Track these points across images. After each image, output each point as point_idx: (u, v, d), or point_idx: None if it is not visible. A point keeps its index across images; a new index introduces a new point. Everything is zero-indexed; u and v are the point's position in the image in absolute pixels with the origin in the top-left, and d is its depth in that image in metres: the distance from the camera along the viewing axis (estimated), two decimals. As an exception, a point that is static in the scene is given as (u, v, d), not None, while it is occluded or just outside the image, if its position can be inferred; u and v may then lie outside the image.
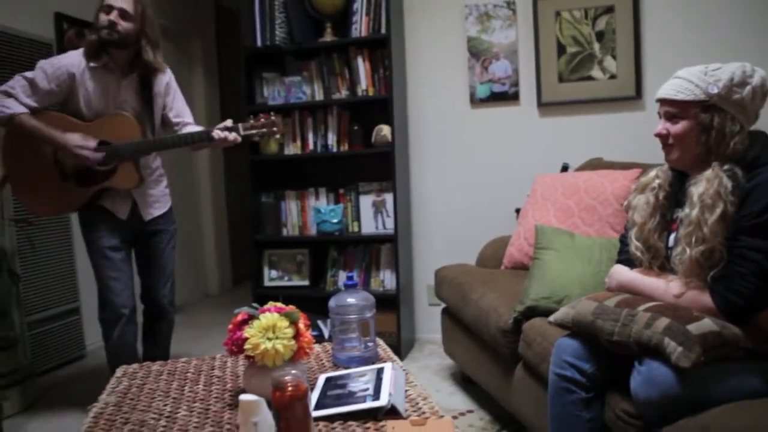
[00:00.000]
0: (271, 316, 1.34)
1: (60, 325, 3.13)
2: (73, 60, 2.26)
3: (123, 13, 2.21)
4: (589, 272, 1.97)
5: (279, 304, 1.41)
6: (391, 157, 3.02)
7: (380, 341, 1.69)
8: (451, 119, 3.26)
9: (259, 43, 3.13)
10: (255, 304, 1.43)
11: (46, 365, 3.02)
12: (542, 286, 1.98)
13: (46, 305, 3.05)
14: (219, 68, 4.93)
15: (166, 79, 2.44)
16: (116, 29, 2.20)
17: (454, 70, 3.22)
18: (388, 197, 3.12)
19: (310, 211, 3.25)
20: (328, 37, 3.14)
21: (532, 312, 1.95)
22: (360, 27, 3.06)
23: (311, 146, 3.22)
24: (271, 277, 3.31)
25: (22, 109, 2.19)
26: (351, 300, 1.57)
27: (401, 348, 3.02)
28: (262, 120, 2.31)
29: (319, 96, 3.18)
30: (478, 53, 3.15)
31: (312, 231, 3.25)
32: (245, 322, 1.37)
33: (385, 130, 3.06)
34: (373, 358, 1.58)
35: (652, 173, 1.64)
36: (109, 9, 2.20)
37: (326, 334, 3.10)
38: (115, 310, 2.37)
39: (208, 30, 4.81)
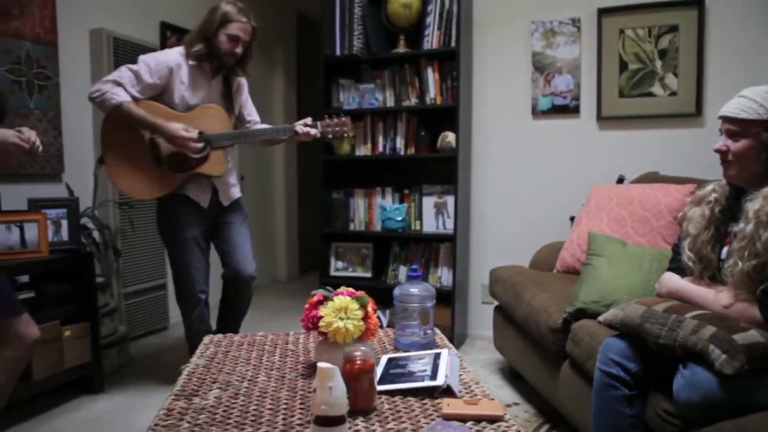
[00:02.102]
0: (343, 298, 1.47)
1: (149, 298, 3.47)
2: (173, 56, 2.45)
3: (244, 44, 2.46)
4: (639, 280, 1.99)
5: (350, 289, 1.52)
6: (455, 162, 3.14)
7: (437, 330, 1.77)
8: (513, 129, 3.35)
9: (338, 52, 3.31)
10: (329, 288, 1.54)
11: (136, 332, 3.36)
12: (592, 290, 2.03)
13: (139, 279, 3.39)
14: (298, 73, 5.17)
15: (243, 81, 2.67)
16: (236, 57, 2.46)
17: (518, 82, 3.31)
18: (450, 199, 3.23)
19: (376, 209, 3.41)
20: (401, 48, 3.29)
21: (581, 314, 2.00)
22: (431, 40, 3.20)
23: (380, 149, 3.38)
24: (336, 268, 3.50)
25: (129, 98, 2.34)
26: (414, 290, 1.65)
27: (454, 341, 3.12)
28: (336, 120, 2.59)
29: (390, 102, 3.34)
30: (541, 67, 3.24)
31: (377, 227, 3.41)
32: (320, 302, 1.48)
33: (450, 136, 3.18)
34: (431, 345, 1.66)
35: (709, 187, 1.65)
36: (236, 40, 2.42)
37: (384, 323, 3.27)
38: (195, 295, 2.56)
39: (289, 37, 5.05)
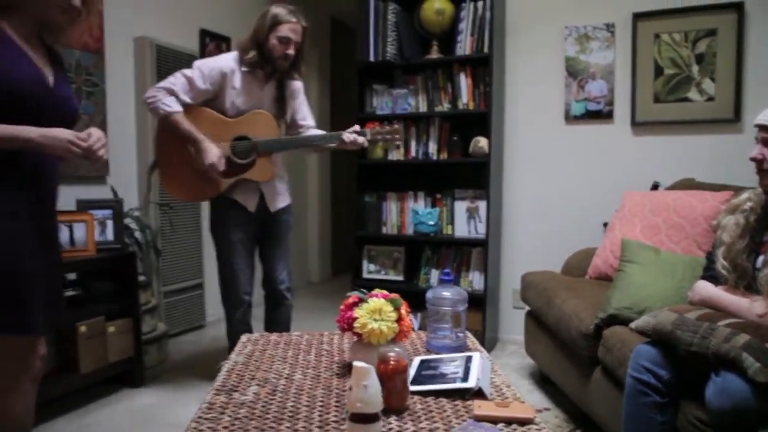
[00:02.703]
0: (378, 300, 1.48)
1: (187, 297, 3.57)
2: (226, 62, 2.48)
3: (296, 45, 2.45)
4: (672, 287, 1.99)
5: (385, 291, 1.54)
6: (487, 167, 3.16)
7: (469, 334, 1.78)
8: (546, 134, 3.35)
9: (371, 57, 3.36)
10: (364, 290, 1.56)
11: (174, 330, 3.46)
12: (624, 297, 2.02)
13: (178, 279, 3.49)
14: (331, 77, 5.23)
15: (298, 85, 2.66)
16: (289, 59, 2.46)
17: (550, 87, 3.31)
18: (482, 204, 3.25)
19: (408, 213, 3.44)
20: (434, 54, 3.32)
21: (612, 320, 2.00)
22: (464, 46, 3.22)
23: (413, 153, 3.42)
24: (369, 270, 3.55)
25: (179, 108, 2.39)
26: (446, 294, 1.67)
27: (485, 345, 3.11)
28: (387, 128, 2.57)
29: (423, 108, 3.38)
30: (575, 72, 3.24)
31: (409, 231, 3.44)
32: (355, 304, 1.51)
33: (482, 141, 3.20)
34: (463, 348, 1.67)
35: (745, 195, 1.66)
36: (287, 41, 2.41)
37: (415, 327, 3.29)
38: (240, 297, 2.60)
39: (323, 42, 5.11)
